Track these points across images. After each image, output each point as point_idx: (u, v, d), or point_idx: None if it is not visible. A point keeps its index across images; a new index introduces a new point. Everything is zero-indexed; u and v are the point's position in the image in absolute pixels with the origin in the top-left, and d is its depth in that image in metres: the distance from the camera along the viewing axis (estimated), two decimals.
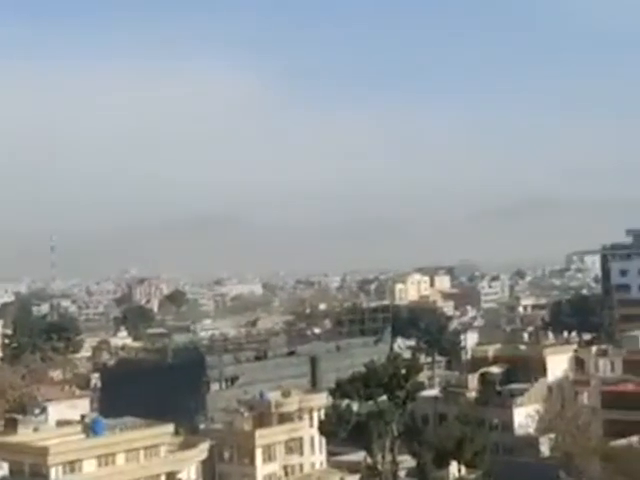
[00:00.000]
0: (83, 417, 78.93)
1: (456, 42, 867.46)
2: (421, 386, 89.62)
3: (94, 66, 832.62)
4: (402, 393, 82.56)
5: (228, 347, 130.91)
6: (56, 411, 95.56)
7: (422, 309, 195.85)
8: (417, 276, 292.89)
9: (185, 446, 73.99)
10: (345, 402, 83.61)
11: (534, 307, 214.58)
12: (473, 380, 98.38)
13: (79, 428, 71.93)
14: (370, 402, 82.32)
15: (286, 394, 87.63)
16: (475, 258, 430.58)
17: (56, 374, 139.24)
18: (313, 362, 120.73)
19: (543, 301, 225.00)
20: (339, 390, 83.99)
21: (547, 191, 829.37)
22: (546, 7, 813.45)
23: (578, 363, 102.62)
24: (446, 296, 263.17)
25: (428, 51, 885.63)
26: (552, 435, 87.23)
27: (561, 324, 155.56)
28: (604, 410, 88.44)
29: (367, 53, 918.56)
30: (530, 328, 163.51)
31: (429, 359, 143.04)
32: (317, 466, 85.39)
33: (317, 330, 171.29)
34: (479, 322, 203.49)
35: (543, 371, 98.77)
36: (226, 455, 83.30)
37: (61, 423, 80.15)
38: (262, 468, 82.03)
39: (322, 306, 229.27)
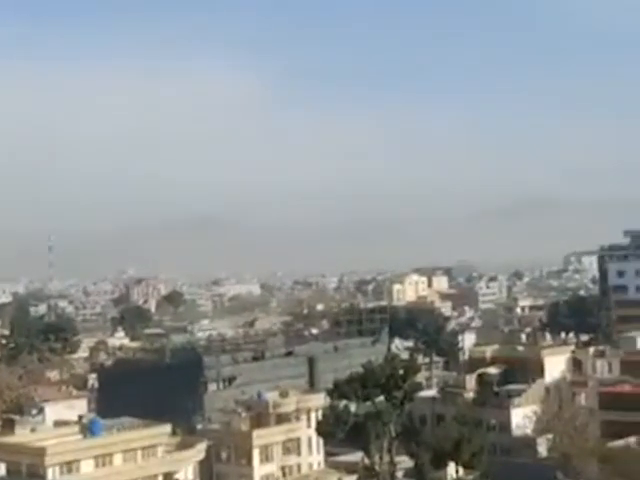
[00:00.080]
0: (80, 417, 78.83)
1: (456, 42, 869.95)
2: (419, 387, 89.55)
3: (94, 66, 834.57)
4: (400, 394, 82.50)
5: (226, 347, 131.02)
6: (53, 411, 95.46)
7: (420, 310, 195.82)
8: (415, 277, 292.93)
9: (182, 446, 73.97)
10: (343, 402, 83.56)
11: (532, 308, 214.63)
12: (471, 381, 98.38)
13: (76, 428, 71.93)
14: (368, 403, 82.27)
15: (284, 394, 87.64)
16: (473, 258, 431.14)
17: (53, 374, 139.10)
18: (311, 362, 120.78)
19: (541, 302, 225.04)
20: (337, 390, 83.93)
21: (547, 191, 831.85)
22: (546, 7, 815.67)
23: (575, 364, 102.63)
24: (444, 297, 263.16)
25: (428, 51, 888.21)
26: (549, 436, 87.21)
27: (559, 325, 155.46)
28: (601, 411, 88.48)
29: (367, 53, 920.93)
30: (528, 329, 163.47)
31: (427, 360, 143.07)
32: (315, 467, 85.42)
33: (315, 331, 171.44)
34: (477, 323, 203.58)
35: (541, 372, 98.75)
36: (223, 455, 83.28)
37: (58, 423, 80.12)
38: (259, 468, 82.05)
39: (320, 307, 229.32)
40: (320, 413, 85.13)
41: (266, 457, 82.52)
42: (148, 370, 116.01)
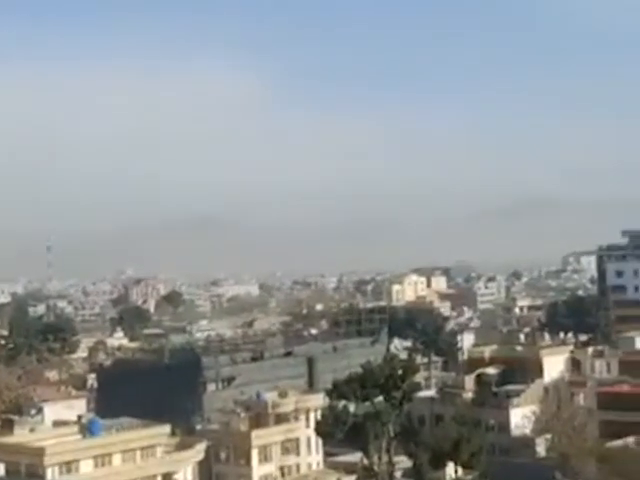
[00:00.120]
0: (79, 418, 78.88)
1: (456, 42, 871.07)
2: (418, 387, 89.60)
3: (94, 66, 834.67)
4: (399, 394, 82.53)
5: (225, 348, 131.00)
6: (52, 412, 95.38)
7: (419, 310, 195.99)
8: (414, 277, 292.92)
9: (181, 447, 74.03)
10: (342, 403, 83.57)
11: (530, 308, 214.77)
12: (469, 381, 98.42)
13: (75, 429, 71.98)
14: (367, 403, 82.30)
15: (283, 395, 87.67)
16: (473, 259, 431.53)
17: (52, 375, 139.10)
18: (310, 363, 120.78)
19: (539, 302, 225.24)
20: (336, 391, 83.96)
21: (547, 191, 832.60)
22: (546, 7, 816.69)
23: (574, 364, 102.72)
24: (443, 297, 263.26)
25: (428, 51, 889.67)
26: (548, 436, 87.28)
27: (557, 325, 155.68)
28: (600, 411, 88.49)
29: (367, 53, 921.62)
30: (526, 329, 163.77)
31: (425, 360, 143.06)
32: (313, 467, 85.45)
33: (314, 331, 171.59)
34: (475, 323, 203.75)
35: (539, 372, 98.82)
36: (222, 456, 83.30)
37: (57, 424, 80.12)
38: (258, 469, 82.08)
39: (319, 307, 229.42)
40: (319, 413, 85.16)
41: (265, 457, 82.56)
42: (147, 370, 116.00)
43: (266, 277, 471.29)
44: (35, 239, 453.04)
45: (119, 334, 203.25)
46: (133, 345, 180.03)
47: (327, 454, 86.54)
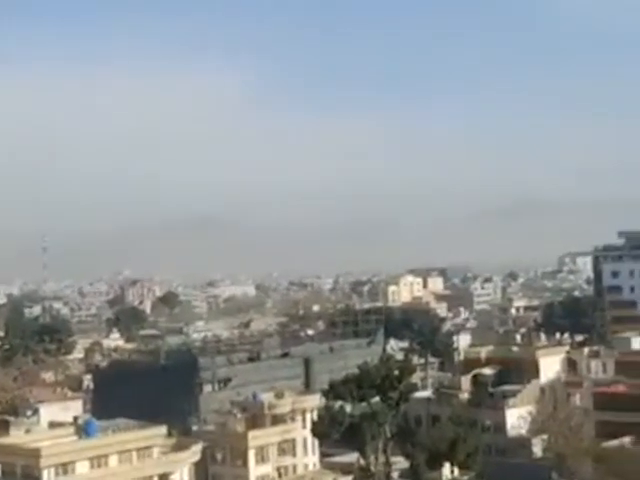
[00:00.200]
0: (75, 419, 78.69)
1: (456, 42, 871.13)
2: (414, 387, 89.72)
3: (94, 66, 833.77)
4: (395, 394, 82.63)
5: (221, 348, 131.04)
6: (48, 413, 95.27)
7: (415, 310, 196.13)
8: (410, 278, 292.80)
9: (178, 448, 74.00)
10: (338, 403, 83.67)
11: (526, 309, 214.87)
12: (466, 381, 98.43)
13: (71, 430, 71.91)
14: (363, 403, 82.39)
15: (279, 395, 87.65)
16: (470, 259, 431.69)
17: (48, 376, 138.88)
18: (306, 363, 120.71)
19: (535, 303, 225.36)
20: (332, 391, 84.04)
21: (547, 191, 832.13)
22: (546, 7, 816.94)
23: (570, 364, 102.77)
24: (439, 297, 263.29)
25: (428, 51, 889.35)
26: (544, 436, 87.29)
27: (553, 325, 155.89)
28: (596, 411, 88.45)
29: (367, 53, 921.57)
30: (522, 330, 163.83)
31: (422, 360, 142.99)
32: (310, 467, 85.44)
33: (310, 331, 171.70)
34: (472, 323, 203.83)
35: (535, 372, 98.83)
36: (219, 457, 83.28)
37: (53, 425, 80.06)
38: (255, 469, 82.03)
39: (315, 308, 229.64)
40: (315, 414, 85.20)
41: (261, 458, 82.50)
42: (143, 371, 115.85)
43: (262, 278, 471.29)
44: (35, 239, 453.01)
45: (115, 335, 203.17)
46: (129, 346, 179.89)
47: (324, 455, 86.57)
